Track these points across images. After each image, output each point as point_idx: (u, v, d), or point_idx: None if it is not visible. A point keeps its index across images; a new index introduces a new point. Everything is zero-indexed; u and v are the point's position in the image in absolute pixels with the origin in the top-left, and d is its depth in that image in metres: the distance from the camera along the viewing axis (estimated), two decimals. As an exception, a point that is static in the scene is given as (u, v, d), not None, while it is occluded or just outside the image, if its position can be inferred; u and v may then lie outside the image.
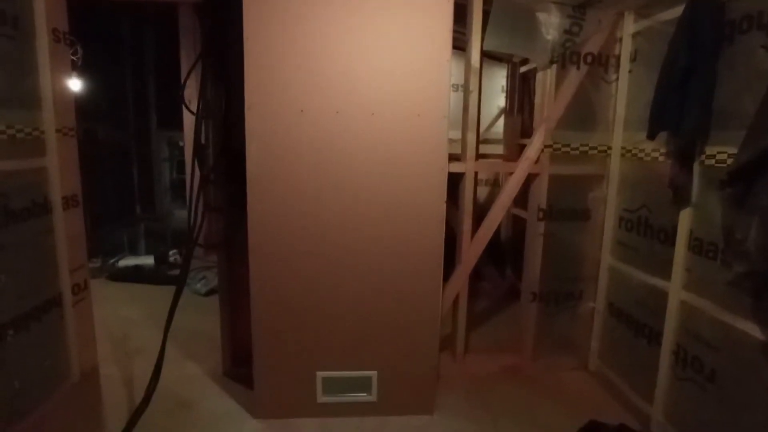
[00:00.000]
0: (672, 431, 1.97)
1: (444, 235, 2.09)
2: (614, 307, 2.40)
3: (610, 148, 2.40)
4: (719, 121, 1.74)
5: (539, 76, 2.42)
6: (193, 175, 2.41)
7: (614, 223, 2.39)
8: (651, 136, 1.92)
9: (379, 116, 1.97)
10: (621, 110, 2.32)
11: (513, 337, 2.74)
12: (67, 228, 2.33)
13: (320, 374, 2.14)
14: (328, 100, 1.95)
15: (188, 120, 4.25)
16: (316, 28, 1.91)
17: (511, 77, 3.65)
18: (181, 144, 4.35)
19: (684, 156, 1.86)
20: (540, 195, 2.45)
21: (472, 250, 2.45)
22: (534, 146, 2.38)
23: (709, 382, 1.78)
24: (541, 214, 2.46)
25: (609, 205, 2.42)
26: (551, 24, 2.27)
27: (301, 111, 1.96)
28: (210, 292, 3.72)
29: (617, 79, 2.34)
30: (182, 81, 3.32)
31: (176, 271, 4.14)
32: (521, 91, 3.58)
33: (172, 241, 5.02)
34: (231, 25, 2.13)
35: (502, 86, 3.90)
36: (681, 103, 1.79)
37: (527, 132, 3.46)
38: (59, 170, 2.26)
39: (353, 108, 1.96)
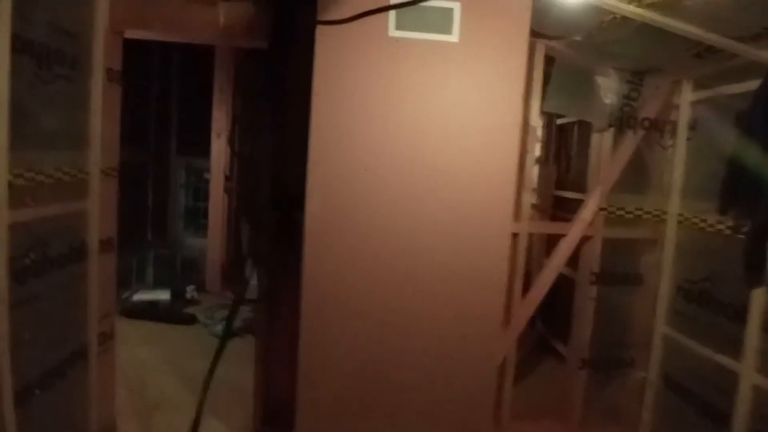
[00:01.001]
0: None
1: (504, 300, 2.01)
2: (671, 379, 2.31)
3: (665, 213, 2.36)
4: (799, 200, 1.71)
5: (595, 137, 2.41)
6: (237, 223, 2.33)
7: (671, 290, 2.34)
8: (722, 212, 1.89)
9: (445, 177, 1.92)
10: (678, 176, 2.30)
11: (553, 400, 2.63)
12: (100, 273, 2.21)
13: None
14: (394, 160, 1.90)
15: (216, 149, 4.20)
16: (386, 87, 1.87)
17: (548, 127, 3.65)
18: (206, 176, 4.29)
19: (758, 235, 1.82)
20: (593, 258, 2.39)
21: (522, 311, 2.37)
22: (589, 208, 2.34)
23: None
24: (593, 278, 2.40)
25: (664, 271, 2.37)
26: (610, 88, 2.27)
27: (365, 170, 1.90)
28: (231, 336, 3.56)
29: (673, 144, 2.33)
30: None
31: (193, 309, 3.99)
32: (557, 142, 3.59)
33: (182, 270, 4.87)
34: (291, 74, 2.11)
35: (537, 136, 3.90)
36: (757, 183, 1.77)
37: (562, 183, 3.45)
38: (99, 212, 2.16)
39: (419, 168, 1.91)
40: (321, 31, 1.84)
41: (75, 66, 1.94)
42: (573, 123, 3.37)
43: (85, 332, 2.17)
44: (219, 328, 3.60)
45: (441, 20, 1.84)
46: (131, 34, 2.15)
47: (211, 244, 4.34)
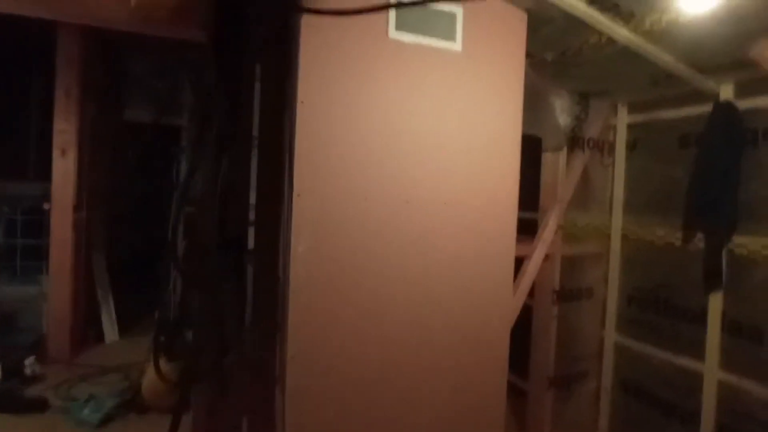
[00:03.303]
0: None
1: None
2: (630, 385, 2.43)
3: (609, 228, 2.50)
4: (745, 214, 1.93)
5: (547, 156, 2.43)
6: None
7: (620, 300, 2.47)
8: (687, 225, 2.04)
9: (451, 202, 1.66)
10: (619, 193, 2.45)
11: (519, 427, 2.58)
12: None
13: None
14: (396, 186, 1.57)
15: (59, 171, 3.16)
16: (385, 98, 1.55)
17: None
18: (46, 207, 3.18)
19: (714, 244, 2.01)
20: (553, 277, 2.39)
21: (499, 341, 2.23)
22: (549, 227, 2.33)
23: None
24: (554, 297, 2.40)
25: (611, 283, 2.49)
26: (564, 109, 2.30)
27: (365, 199, 1.54)
28: (106, 421, 2.65)
29: (613, 163, 2.48)
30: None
31: (37, 388, 2.89)
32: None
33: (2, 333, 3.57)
34: (246, 83, 1.62)
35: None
36: (717, 200, 1.94)
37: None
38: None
39: (423, 194, 1.62)
40: (307, 23, 1.42)
41: None
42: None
43: None
44: (87, 413, 2.65)
45: (444, 25, 1.60)
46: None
47: (56, 295, 3.26)
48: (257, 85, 1.64)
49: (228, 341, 1.74)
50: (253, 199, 1.69)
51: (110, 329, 3.83)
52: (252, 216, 1.72)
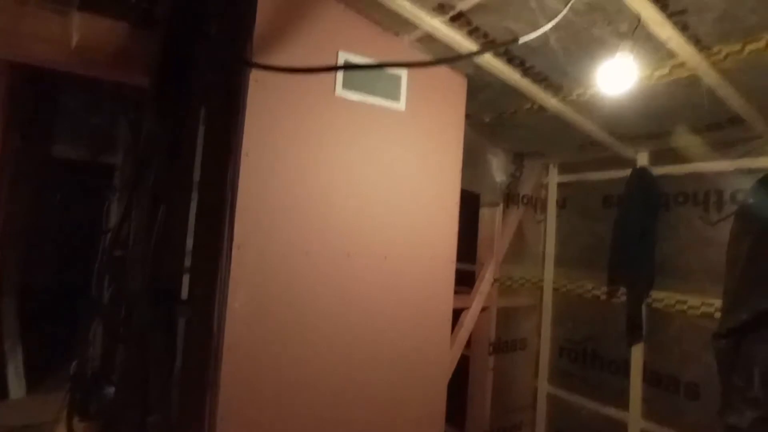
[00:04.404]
0: None
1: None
2: (562, 436, 2.48)
3: (542, 281, 2.62)
4: (660, 271, 2.10)
5: (484, 211, 2.53)
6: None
7: (552, 351, 2.55)
8: (612, 282, 2.19)
9: (390, 256, 1.69)
10: (551, 248, 2.59)
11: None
12: None
13: None
14: (337, 241, 1.58)
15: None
16: (329, 152, 1.57)
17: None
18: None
19: (635, 298, 2.16)
20: (490, 328, 2.45)
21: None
22: (486, 280, 2.41)
23: None
24: (491, 348, 2.45)
25: (544, 334, 2.58)
26: (500, 167, 2.44)
27: (306, 253, 1.52)
28: None
29: (545, 219, 2.63)
30: None
31: None
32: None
33: None
34: (188, 128, 1.59)
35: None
36: (636, 257, 2.11)
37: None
38: None
39: (363, 249, 1.63)
40: (255, 78, 1.44)
41: None
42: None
43: None
44: None
45: (389, 86, 1.67)
46: None
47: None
48: (201, 130, 1.62)
49: (153, 399, 1.62)
50: (189, 246, 1.63)
51: (16, 384, 3.42)
52: (187, 263, 1.66)
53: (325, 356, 1.55)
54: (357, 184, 1.62)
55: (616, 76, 1.42)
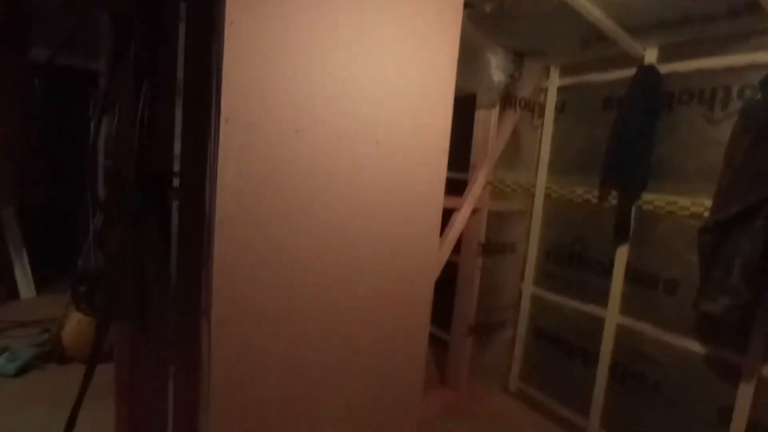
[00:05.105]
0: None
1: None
2: (542, 332, 2.61)
3: (534, 186, 2.63)
4: (656, 174, 2.09)
5: (480, 114, 2.48)
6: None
7: (539, 255, 2.62)
8: (604, 185, 2.20)
9: (384, 146, 1.67)
10: (545, 153, 2.58)
11: (440, 369, 2.71)
12: None
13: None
14: (327, 121, 1.55)
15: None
16: (313, 33, 1.50)
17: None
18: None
19: (625, 201, 2.18)
20: (480, 230, 2.49)
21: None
22: (479, 182, 2.42)
23: (653, 392, 2.10)
24: (480, 249, 2.51)
25: (532, 238, 2.64)
26: (499, 66, 2.36)
27: (296, 131, 1.50)
28: (23, 371, 2.48)
29: (542, 124, 2.59)
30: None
31: None
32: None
33: None
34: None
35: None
36: (632, 160, 2.09)
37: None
38: None
39: (354, 132, 1.61)
40: (240, -63, 1.33)
41: None
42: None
43: None
44: (2, 362, 2.47)
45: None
46: None
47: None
48: (182, 6, 1.54)
49: (150, 278, 1.67)
50: (179, 129, 1.61)
51: (25, 285, 3.55)
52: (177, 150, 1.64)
53: (311, 237, 1.57)
54: (347, 65, 1.56)
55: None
